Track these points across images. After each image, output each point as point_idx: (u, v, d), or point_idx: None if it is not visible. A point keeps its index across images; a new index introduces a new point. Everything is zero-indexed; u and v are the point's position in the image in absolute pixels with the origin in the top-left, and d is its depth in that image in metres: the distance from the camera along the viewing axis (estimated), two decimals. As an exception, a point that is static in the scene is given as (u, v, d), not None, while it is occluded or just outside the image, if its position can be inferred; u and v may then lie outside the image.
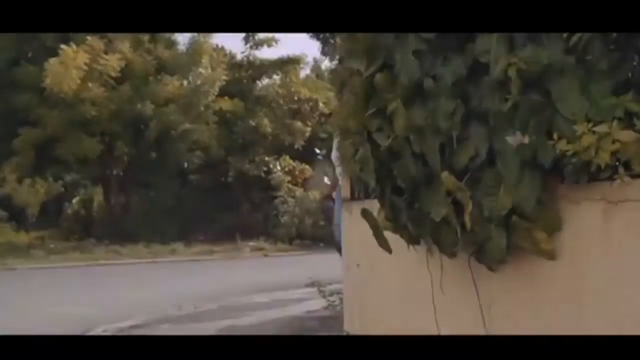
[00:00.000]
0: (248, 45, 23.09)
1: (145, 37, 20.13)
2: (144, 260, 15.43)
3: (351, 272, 4.37)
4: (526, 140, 2.25)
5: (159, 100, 19.49)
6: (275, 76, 23.61)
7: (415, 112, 2.59)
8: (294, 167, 22.60)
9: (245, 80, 23.38)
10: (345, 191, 4.88)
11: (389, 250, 3.19)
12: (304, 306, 6.45)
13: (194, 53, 20.95)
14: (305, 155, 22.96)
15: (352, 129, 2.89)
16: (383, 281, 3.76)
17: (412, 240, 3.03)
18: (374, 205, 4.07)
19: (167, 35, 20.97)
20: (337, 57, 4.23)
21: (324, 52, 10.58)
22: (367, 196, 4.42)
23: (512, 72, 2.25)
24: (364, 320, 4.05)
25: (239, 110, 22.26)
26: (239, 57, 23.33)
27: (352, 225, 4.25)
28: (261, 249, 18.12)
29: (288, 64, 23.21)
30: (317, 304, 6.55)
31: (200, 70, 20.42)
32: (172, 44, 21.34)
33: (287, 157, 22.77)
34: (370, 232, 3.89)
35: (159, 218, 20.68)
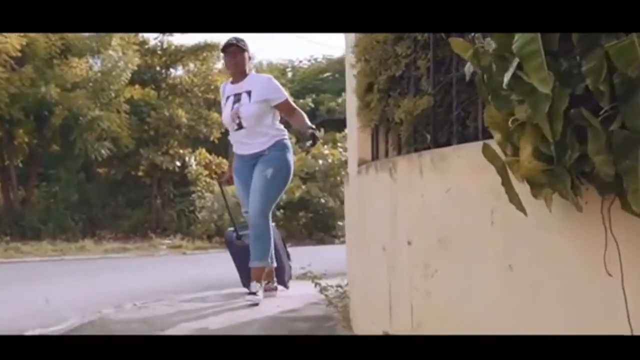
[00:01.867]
0: (161, 31, 21.66)
1: (50, 15, 18.36)
2: (52, 258, 13.79)
3: (384, 255, 3.20)
4: None
5: (65, 84, 17.81)
6: (190, 64, 22.25)
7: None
8: (210, 161, 21.20)
9: (158, 67, 21.97)
10: (364, 150, 3.72)
11: (524, 211, 2.04)
12: (272, 305, 5.23)
13: (103, 35, 19.32)
14: (222, 148, 21.57)
15: None
16: (465, 267, 2.59)
17: (577, 192, 1.89)
18: (410, 162, 2.94)
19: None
20: None
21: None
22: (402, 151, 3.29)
23: None
24: (423, 321, 2.87)
25: (151, 99, 20.86)
26: (151, 42, 21.87)
27: (395, 190, 3.07)
28: (179, 246, 16.72)
29: (204, 50, 21.85)
30: (285, 303, 5.37)
31: (111, 52, 18.80)
32: (79, 25, 19.63)
33: (203, 150, 21.39)
34: (435, 188, 2.77)
35: (63, 213, 19.01)
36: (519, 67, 1.76)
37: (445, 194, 2.65)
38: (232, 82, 5.68)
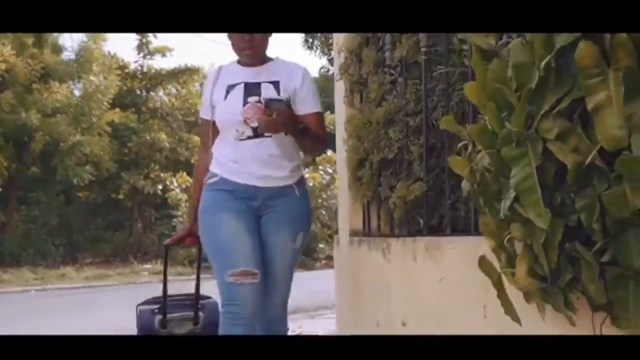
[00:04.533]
0: (141, 55, 21.76)
1: (30, 40, 18.41)
2: (33, 287, 13.75)
3: (377, 330, 3.28)
4: None
5: (46, 110, 17.83)
6: (171, 87, 22.35)
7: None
8: (191, 184, 21.23)
9: (138, 91, 22.02)
10: (356, 222, 3.79)
11: (519, 321, 2.13)
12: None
13: (84, 60, 19.44)
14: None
15: (514, 129, 1.80)
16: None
17: (570, 307, 1.98)
18: (405, 246, 3.02)
19: (54, 39, 19.36)
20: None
21: (309, 46, 9.28)
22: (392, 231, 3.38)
23: None
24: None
25: (132, 122, 20.93)
26: (132, 66, 21.95)
27: (389, 271, 3.15)
28: (160, 272, 16.62)
29: (185, 73, 21.95)
30: None
31: (91, 77, 18.87)
32: (59, 50, 19.67)
33: (184, 174, 21.42)
34: (429, 276, 2.85)
35: (44, 239, 18.96)
36: (516, 198, 1.85)
37: (438, 282, 2.73)
38: (242, 64, 3.40)
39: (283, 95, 3.22)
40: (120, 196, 20.94)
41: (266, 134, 3.17)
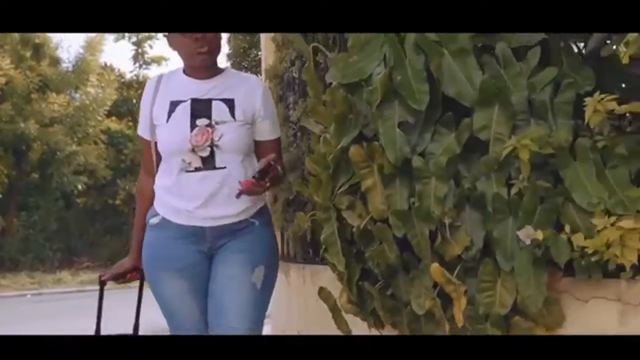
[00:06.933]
0: (137, 64, 22.55)
1: (28, 53, 19.13)
2: (30, 291, 14.43)
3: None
4: (540, 235, 1.95)
5: (44, 120, 18.56)
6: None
7: (397, 192, 2.26)
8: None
9: (134, 100, 22.70)
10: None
11: (349, 332, 2.84)
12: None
13: (81, 71, 20.14)
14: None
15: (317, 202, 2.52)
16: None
17: (379, 325, 2.69)
18: (298, 272, 3.73)
19: (51, 52, 20.06)
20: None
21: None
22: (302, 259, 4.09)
23: (523, 154, 1.95)
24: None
25: (128, 130, 21.65)
26: (128, 76, 22.72)
27: (289, 291, 3.87)
28: (154, 276, 17.29)
29: (180, 83, 22.62)
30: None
31: (88, 89, 19.62)
32: (56, 61, 20.37)
33: (179, 179, 22.05)
34: (311, 297, 3.55)
35: (42, 244, 19.63)
36: (326, 249, 2.57)
37: (317, 301, 3.44)
38: (190, 75, 2.75)
39: (239, 118, 2.62)
40: (117, 202, 21.62)
41: (218, 166, 2.59)
